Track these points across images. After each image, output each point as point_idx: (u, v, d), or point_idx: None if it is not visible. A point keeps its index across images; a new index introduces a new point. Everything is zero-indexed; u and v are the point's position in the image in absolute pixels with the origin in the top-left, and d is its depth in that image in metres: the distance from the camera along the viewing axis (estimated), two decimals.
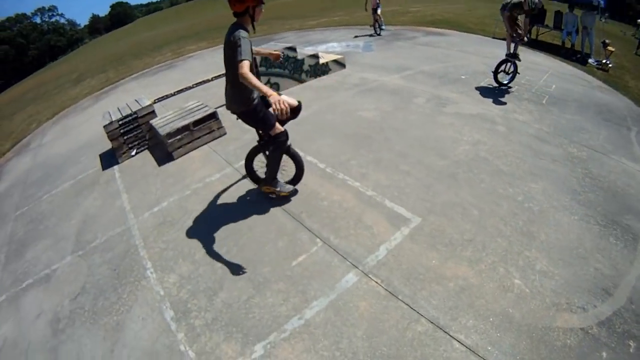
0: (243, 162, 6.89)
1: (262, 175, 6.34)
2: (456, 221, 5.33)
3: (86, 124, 13.95)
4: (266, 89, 4.50)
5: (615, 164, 6.93)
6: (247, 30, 4.98)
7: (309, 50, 13.27)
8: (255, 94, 5.33)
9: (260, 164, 6.48)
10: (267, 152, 6.02)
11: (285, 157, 5.97)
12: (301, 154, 6.92)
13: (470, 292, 4.28)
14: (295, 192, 6.36)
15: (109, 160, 9.46)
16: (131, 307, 4.88)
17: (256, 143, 6.05)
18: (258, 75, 5.50)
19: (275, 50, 5.83)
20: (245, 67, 4.62)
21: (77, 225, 7.14)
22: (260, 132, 5.87)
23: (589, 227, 5.24)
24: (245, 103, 5.29)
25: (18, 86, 62.81)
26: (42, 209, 8.22)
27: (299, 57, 11.80)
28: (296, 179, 6.38)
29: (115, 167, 9.00)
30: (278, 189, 6.10)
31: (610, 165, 6.88)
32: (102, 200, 7.74)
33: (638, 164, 7.04)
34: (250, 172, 6.39)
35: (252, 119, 5.52)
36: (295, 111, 5.71)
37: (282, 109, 4.24)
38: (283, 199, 6.25)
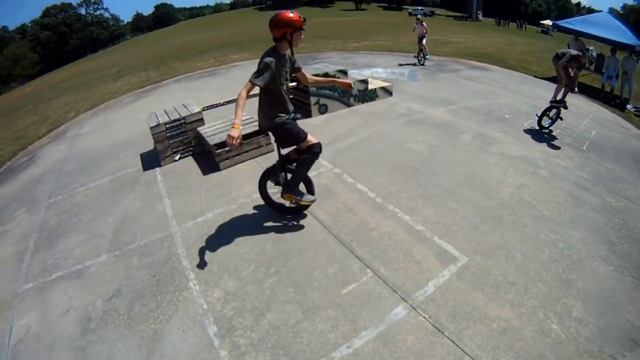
0: None
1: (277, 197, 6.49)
2: (501, 263, 5.37)
3: (126, 121, 14.07)
4: (236, 118, 4.86)
5: None
6: (279, 54, 5.26)
7: (359, 75, 13.32)
8: (284, 110, 5.57)
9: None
10: (283, 173, 6.12)
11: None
12: (351, 181, 7.05)
13: (511, 333, 4.32)
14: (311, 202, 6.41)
15: (150, 161, 9.50)
16: (171, 318, 4.83)
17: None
18: (286, 98, 5.63)
19: (346, 80, 5.90)
20: (246, 87, 4.96)
21: (114, 224, 7.14)
22: (281, 150, 5.96)
23: (623, 279, 5.27)
24: (273, 118, 5.54)
25: (57, 72, 63.70)
26: (78, 201, 8.25)
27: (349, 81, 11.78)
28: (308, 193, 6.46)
29: (157, 169, 9.03)
30: (298, 197, 6.12)
31: None
32: (142, 201, 7.75)
33: None
34: (262, 191, 6.45)
35: (281, 134, 5.70)
36: (313, 151, 5.82)
37: (232, 142, 4.78)
38: (333, 222, 6.31)
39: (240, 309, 4.82)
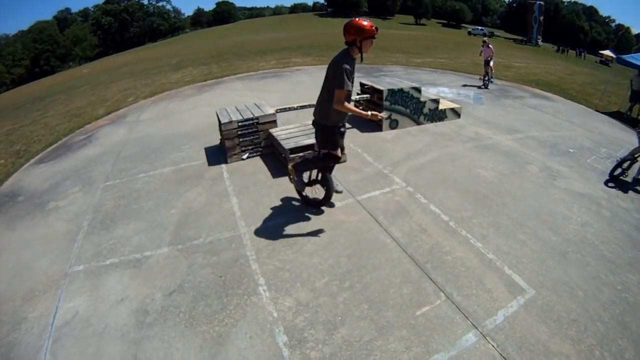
0: (365, 195, 7.48)
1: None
2: (564, 299, 5.45)
3: (189, 113, 14.32)
4: (360, 112, 5.59)
5: None
6: (352, 59, 5.60)
7: (431, 94, 13.37)
8: (342, 118, 5.98)
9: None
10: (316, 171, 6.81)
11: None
12: (424, 201, 7.22)
13: None
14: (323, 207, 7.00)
15: (216, 157, 9.65)
16: (237, 322, 4.80)
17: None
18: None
19: (380, 114, 6.09)
20: (342, 95, 5.43)
21: (177, 216, 7.18)
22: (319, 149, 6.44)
23: None
24: (327, 119, 5.95)
25: (115, 57, 64.90)
26: (137, 187, 8.38)
27: (422, 99, 12.04)
28: (321, 203, 6.97)
29: (223, 166, 9.15)
30: (296, 179, 6.56)
31: None
32: (207, 197, 7.80)
33: None
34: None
35: (324, 134, 6.15)
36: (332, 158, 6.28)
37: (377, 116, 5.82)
38: (408, 242, 6.39)
39: (313, 321, 4.82)
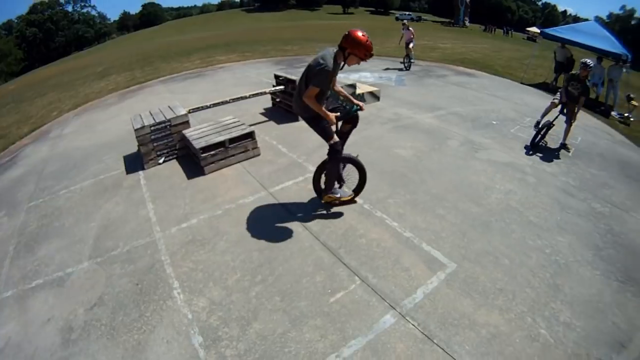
0: (278, 187, 7.20)
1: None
2: (489, 269, 5.39)
3: (111, 122, 13.86)
4: (325, 113, 5.46)
5: (635, 222, 7.03)
6: (337, 63, 5.53)
7: (346, 80, 13.32)
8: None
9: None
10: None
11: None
12: (337, 186, 7.01)
13: (500, 339, 4.34)
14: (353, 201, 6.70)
15: (133, 164, 9.36)
16: (155, 328, 4.74)
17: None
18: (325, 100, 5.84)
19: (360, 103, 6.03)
20: (313, 92, 5.31)
21: (96, 229, 6.97)
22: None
23: (609, 283, 5.35)
24: (307, 110, 5.67)
25: (41, 70, 63.27)
26: (59, 205, 8.07)
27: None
28: (359, 188, 6.70)
29: (141, 172, 8.90)
30: (338, 195, 6.33)
31: (631, 223, 6.98)
32: (125, 206, 7.62)
33: None
34: (315, 183, 6.53)
35: (312, 126, 5.92)
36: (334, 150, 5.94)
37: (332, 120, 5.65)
38: (320, 229, 6.28)
39: (226, 319, 4.75)
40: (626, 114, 15.03)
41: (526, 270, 5.44)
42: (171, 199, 7.62)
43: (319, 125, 5.82)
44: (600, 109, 15.87)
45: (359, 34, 5.31)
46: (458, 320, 4.55)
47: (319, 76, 5.28)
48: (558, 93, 10.30)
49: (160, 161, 9.16)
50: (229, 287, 5.24)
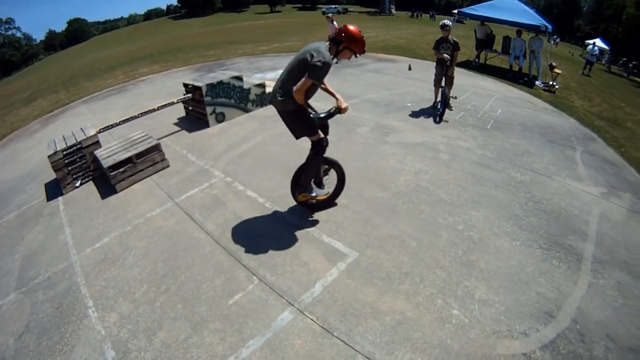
0: (184, 196, 7.19)
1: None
2: (394, 254, 5.40)
3: (34, 150, 13.39)
4: (305, 109, 5.44)
5: (558, 185, 7.19)
6: (330, 55, 5.30)
7: (256, 79, 13.26)
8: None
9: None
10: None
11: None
12: (241, 188, 7.09)
13: (407, 325, 4.34)
14: (333, 203, 6.54)
15: (54, 190, 9.17)
16: (74, 347, 4.71)
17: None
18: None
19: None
20: (307, 84, 5.20)
21: (20, 260, 6.82)
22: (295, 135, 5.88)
23: (531, 252, 5.41)
24: (292, 102, 5.47)
25: None
26: None
27: (245, 86, 11.87)
28: (337, 191, 6.55)
29: (60, 198, 8.74)
30: (313, 194, 6.15)
31: (554, 187, 7.13)
32: (45, 234, 7.49)
33: (582, 184, 7.34)
34: (293, 185, 6.36)
35: (292, 121, 5.73)
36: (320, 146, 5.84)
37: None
38: (221, 233, 6.26)
39: (135, 331, 4.75)
40: (551, 82, 15.49)
41: (436, 250, 5.47)
42: (86, 220, 7.52)
43: (301, 120, 5.69)
44: (524, 80, 16.32)
45: (356, 29, 5.31)
46: (360, 311, 4.55)
47: (320, 70, 5.18)
48: (435, 68, 11.00)
49: (77, 184, 9.00)
50: (137, 300, 5.24)
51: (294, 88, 5.23)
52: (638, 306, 4.68)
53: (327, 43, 5.43)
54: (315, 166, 6.03)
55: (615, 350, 4.08)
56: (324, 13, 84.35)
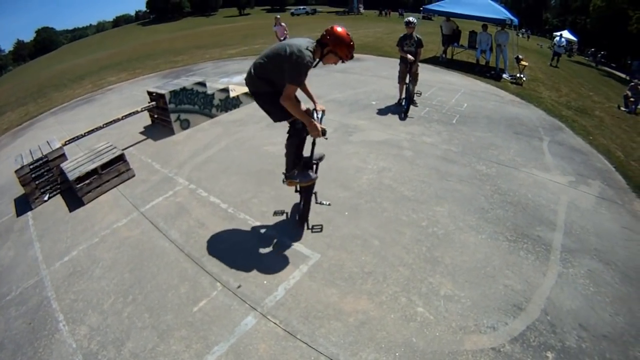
0: (149, 205, 7.22)
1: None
2: (356, 254, 5.45)
3: (2, 165, 13.08)
4: (308, 120, 5.06)
5: (525, 176, 7.31)
6: (313, 57, 4.95)
7: (221, 84, 13.26)
8: None
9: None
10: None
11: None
12: (205, 194, 7.16)
13: (370, 325, 4.39)
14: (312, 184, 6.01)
15: (23, 206, 9.07)
16: None
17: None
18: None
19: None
20: (292, 91, 4.85)
21: None
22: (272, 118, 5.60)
23: (498, 245, 5.49)
24: (261, 86, 5.26)
25: None
26: None
27: (209, 91, 11.84)
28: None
29: (29, 213, 8.67)
30: (297, 180, 5.78)
31: (521, 178, 7.25)
32: (15, 249, 7.43)
33: (549, 173, 7.48)
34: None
35: (264, 102, 5.41)
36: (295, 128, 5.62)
37: (318, 133, 5.14)
38: (185, 241, 6.25)
39: (104, 342, 4.73)
40: (518, 75, 15.71)
41: (399, 248, 5.52)
42: (55, 234, 7.47)
43: (276, 102, 4.98)
44: (491, 74, 16.57)
45: (343, 31, 4.97)
46: (322, 312, 4.60)
47: (298, 69, 4.84)
48: (399, 65, 10.99)
49: (45, 198, 8.92)
50: (105, 312, 5.21)
51: (281, 99, 4.85)
52: (610, 293, 4.78)
53: (314, 43, 5.09)
54: (292, 148, 5.74)
55: (589, 339, 4.16)
56: (292, 14, 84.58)
